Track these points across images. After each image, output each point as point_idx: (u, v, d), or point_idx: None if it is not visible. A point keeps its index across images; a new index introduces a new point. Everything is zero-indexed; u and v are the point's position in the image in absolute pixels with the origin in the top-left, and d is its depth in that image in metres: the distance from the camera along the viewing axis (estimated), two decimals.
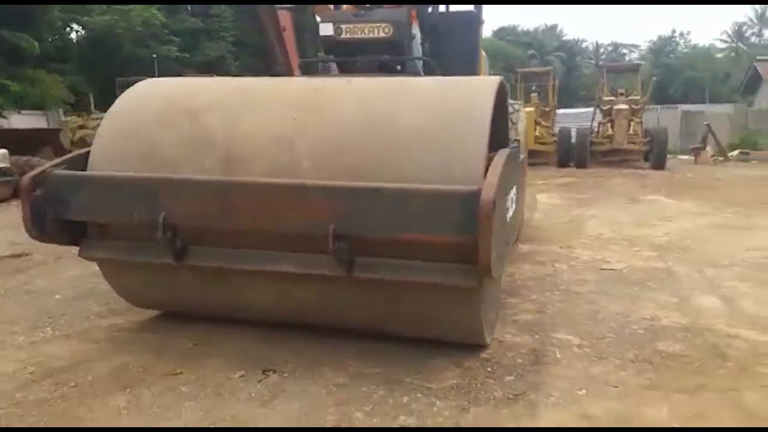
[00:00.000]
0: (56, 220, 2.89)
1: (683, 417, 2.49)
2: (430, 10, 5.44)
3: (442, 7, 5.60)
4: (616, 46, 71.22)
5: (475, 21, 5.54)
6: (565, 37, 57.55)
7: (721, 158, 17.69)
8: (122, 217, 2.86)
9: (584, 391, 2.74)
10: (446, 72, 4.36)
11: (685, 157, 18.99)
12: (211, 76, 21.50)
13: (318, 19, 5.03)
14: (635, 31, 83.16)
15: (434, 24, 5.34)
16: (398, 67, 4.97)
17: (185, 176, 2.79)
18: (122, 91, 3.28)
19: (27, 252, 5.53)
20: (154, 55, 29.13)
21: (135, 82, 3.39)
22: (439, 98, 2.94)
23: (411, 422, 2.45)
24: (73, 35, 30.63)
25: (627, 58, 65.49)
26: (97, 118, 19.08)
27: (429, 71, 4.72)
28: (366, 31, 4.62)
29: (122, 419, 2.47)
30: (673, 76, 53.04)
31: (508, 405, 2.61)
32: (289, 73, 10.30)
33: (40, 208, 2.84)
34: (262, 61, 40.73)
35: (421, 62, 4.95)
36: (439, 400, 2.62)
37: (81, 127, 17.20)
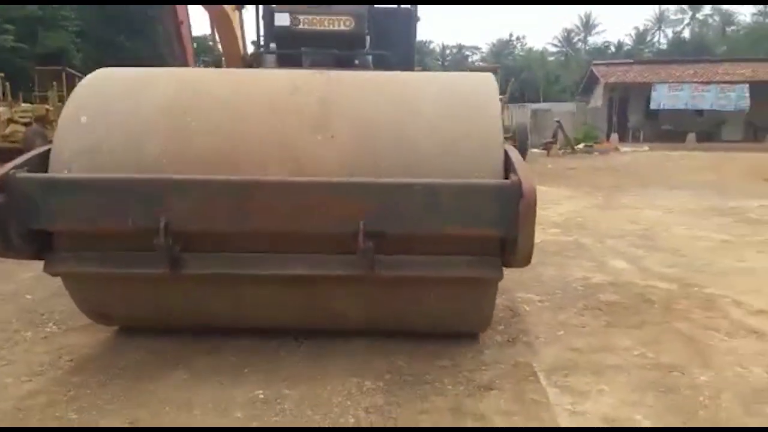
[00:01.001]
0: (21, 231, 2.49)
1: (642, 343, 3.24)
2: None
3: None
4: (460, 48, 75.97)
5: (413, 18, 5.53)
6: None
7: (569, 151, 20.02)
8: (113, 223, 2.49)
9: (562, 332, 3.42)
10: (386, 68, 4.35)
11: (536, 150, 21.19)
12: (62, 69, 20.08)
13: (273, 8, 4.85)
14: (477, 33, 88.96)
15: (377, 20, 5.25)
16: (356, 62, 5.05)
17: (196, 177, 2.50)
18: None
19: None
20: None
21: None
22: (451, 93, 2.88)
23: (446, 363, 2.95)
24: None
25: (470, 60, 70.19)
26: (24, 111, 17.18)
27: (382, 66, 4.70)
28: (326, 23, 4.61)
29: (192, 388, 2.69)
30: (512, 76, 57.83)
31: (510, 346, 3.21)
32: (184, 66, 10.21)
33: (4, 217, 2.43)
34: (108, 53, 38.32)
35: (370, 57, 5.08)
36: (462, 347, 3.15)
37: (11, 121, 15.54)
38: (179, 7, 9.55)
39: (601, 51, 66.35)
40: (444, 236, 2.53)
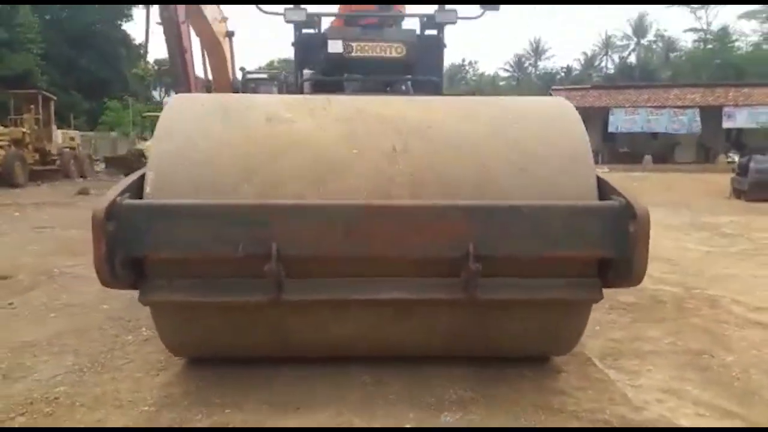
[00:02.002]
0: (124, 260, 2.43)
1: (668, 333, 3.81)
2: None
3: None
4: None
5: (441, 44, 5.44)
6: None
7: None
8: (222, 250, 2.43)
9: (598, 327, 3.96)
10: (430, 93, 4.70)
11: None
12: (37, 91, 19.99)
13: (326, 34, 4.90)
14: None
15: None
16: (402, 87, 5.23)
17: (308, 202, 2.51)
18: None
19: (8, 275, 5.41)
20: None
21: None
22: (543, 119, 2.92)
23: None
24: None
25: None
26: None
27: (424, 92, 4.90)
28: (378, 50, 4.71)
29: (303, 385, 3.10)
30: None
31: None
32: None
33: (113, 246, 2.36)
34: (71, 76, 37.88)
35: (409, 83, 5.25)
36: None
37: None
38: (185, 35, 9.86)
39: (551, 75, 68.92)
40: (552, 258, 2.56)
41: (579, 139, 2.81)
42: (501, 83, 71.84)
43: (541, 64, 74.98)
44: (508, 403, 2.78)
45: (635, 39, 63.28)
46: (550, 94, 33.09)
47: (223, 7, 11.77)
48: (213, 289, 2.59)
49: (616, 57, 67.84)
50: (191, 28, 10.46)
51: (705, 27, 54.22)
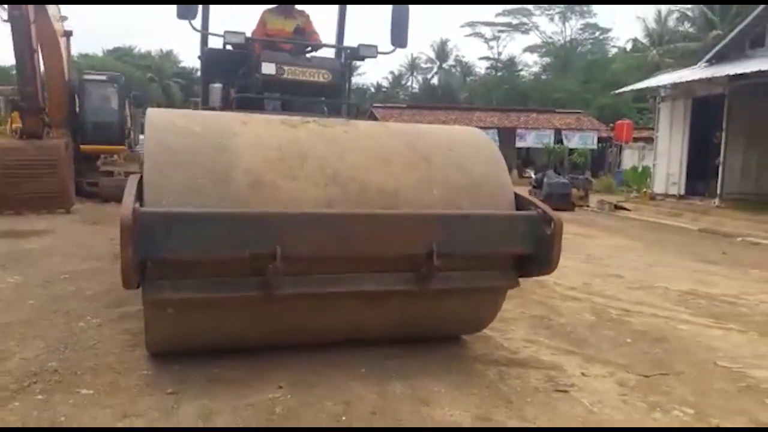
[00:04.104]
0: (137, 264, 2.62)
1: (517, 306, 5.12)
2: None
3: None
4: None
5: (350, 73, 6.11)
6: (182, 64, 58.40)
7: None
8: (231, 252, 2.75)
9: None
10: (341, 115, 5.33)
11: None
12: None
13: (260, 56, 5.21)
14: None
15: None
16: (325, 109, 5.66)
17: (305, 211, 2.92)
18: None
19: None
20: None
21: None
22: (472, 145, 3.64)
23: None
24: None
25: None
26: None
27: (349, 114, 5.66)
28: (307, 74, 5.19)
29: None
30: None
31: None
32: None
33: (135, 252, 2.54)
34: None
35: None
36: None
37: None
38: (33, 35, 9.42)
39: (363, 91, 72.42)
40: (489, 255, 3.29)
41: (500, 164, 3.61)
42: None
43: (354, 80, 77.95)
44: (430, 354, 3.72)
45: (438, 62, 69.06)
46: (372, 112, 35.30)
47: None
48: (215, 287, 2.88)
49: (420, 77, 73.36)
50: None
51: (496, 56, 61.20)
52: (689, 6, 37.11)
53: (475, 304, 3.64)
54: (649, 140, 26.10)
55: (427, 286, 3.16)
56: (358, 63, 6.32)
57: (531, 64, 59.77)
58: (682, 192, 16.48)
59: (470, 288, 3.38)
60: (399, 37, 5.35)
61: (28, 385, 3.02)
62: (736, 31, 14.84)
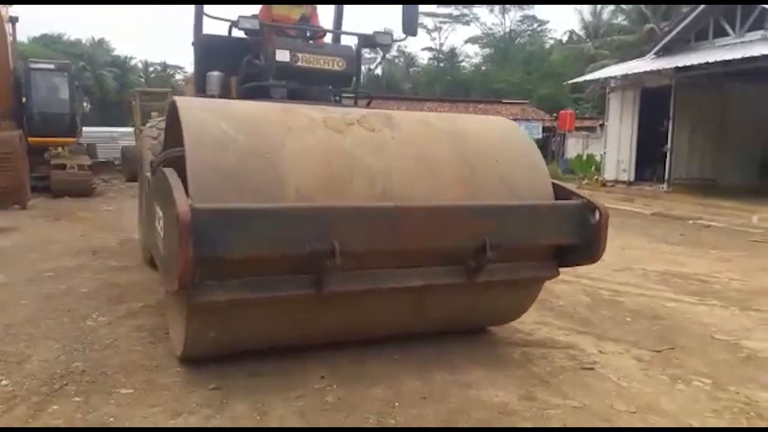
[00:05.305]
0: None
1: None
2: None
3: None
4: (165, 66, 73.98)
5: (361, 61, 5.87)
6: (114, 52, 55.83)
7: None
8: (291, 248, 2.65)
9: None
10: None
11: None
12: None
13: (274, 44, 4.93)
14: (180, 52, 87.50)
15: None
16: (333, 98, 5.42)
17: (359, 204, 2.86)
18: None
19: None
20: None
21: None
22: (512, 141, 3.61)
23: None
24: None
25: (175, 78, 68.49)
26: None
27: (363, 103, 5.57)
28: (322, 62, 4.95)
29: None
30: None
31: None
32: None
33: (191, 251, 2.39)
34: None
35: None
36: None
37: None
38: None
39: None
40: (539, 246, 3.31)
41: (538, 156, 3.60)
42: None
43: None
44: (453, 342, 3.74)
45: (381, 53, 69.17)
46: None
47: None
48: (267, 286, 2.77)
49: (364, 68, 73.28)
50: None
51: (438, 47, 61.74)
52: None
53: (517, 294, 3.64)
54: (591, 129, 27.11)
55: (475, 278, 3.13)
56: None
57: (472, 55, 60.42)
58: (632, 178, 17.13)
59: (514, 279, 3.36)
60: (410, 26, 5.31)
61: (60, 388, 2.91)
62: (681, 25, 15.45)
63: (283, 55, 4.78)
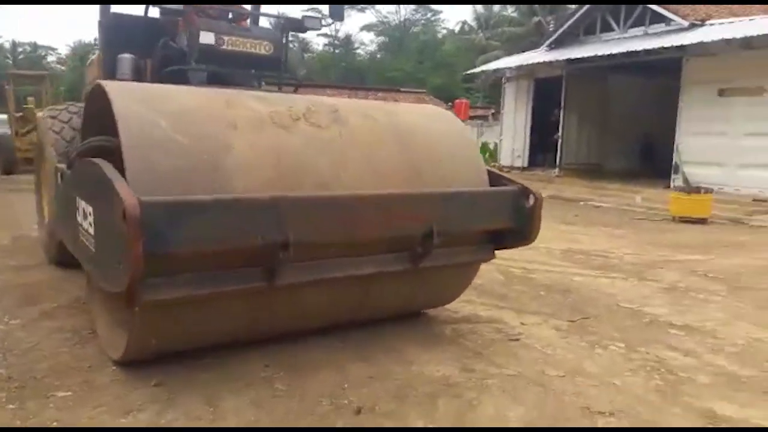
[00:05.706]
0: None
1: None
2: None
3: None
4: (35, 47, 68.45)
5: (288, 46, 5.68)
6: None
7: None
8: (243, 241, 2.56)
9: None
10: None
11: None
12: None
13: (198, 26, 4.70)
14: (54, 32, 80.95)
15: None
16: (255, 83, 5.31)
17: (314, 194, 2.83)
18: None
19: None
20: None
21: None
22: (447, 124, 3.72)
23: None
24: None
25: (46, 60, 63.63)
26: None
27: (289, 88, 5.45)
28: (248, 45, 4.79)
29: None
30: None
31: None
32: None
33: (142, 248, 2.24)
34: None
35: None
36: None
37: None
38: None
39: None
40: (476, 230, 3.43)
41: (474, 146, 3.87)
42: None
43: None
44: (385, 324, 3.79)
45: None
46: None
47: None
48: (217, 281, 2.66)
49: None
50: None
51: (334, 33, 61.56)
52: None
53: (456, 278, 3.79)
54: (484, 118, 28.17)
55: (420, 264, 3.22)
56: None
57: (367, 42, 60.83)
58: (526, 164, 18.09)
59: (455, 263, 3.49)
60: (337, 11, 5.31)
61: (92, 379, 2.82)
62: (572, 20, 16.47)
63: (207, 38, 4.58)
